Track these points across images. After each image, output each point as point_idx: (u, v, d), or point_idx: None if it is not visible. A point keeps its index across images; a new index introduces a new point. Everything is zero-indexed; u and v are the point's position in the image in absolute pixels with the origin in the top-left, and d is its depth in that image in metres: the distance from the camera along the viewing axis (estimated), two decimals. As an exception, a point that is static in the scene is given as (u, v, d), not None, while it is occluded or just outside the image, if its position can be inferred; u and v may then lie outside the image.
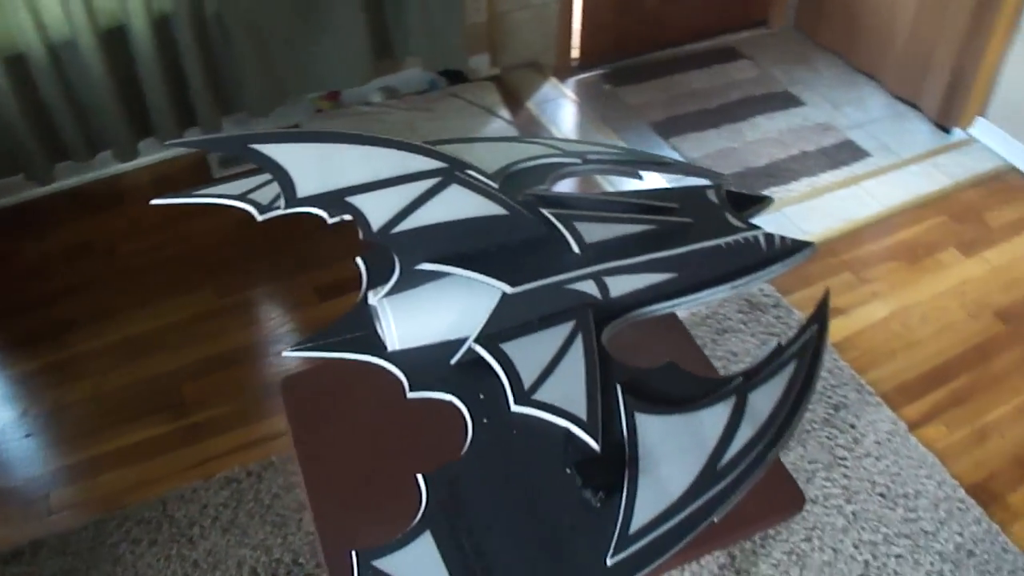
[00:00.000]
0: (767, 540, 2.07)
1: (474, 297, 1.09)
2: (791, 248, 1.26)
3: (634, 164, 1.42)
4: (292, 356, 1.11)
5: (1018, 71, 3.03)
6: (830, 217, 2.87)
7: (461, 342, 1.08)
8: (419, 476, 0.97)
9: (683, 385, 1.08)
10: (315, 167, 0.96)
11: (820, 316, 1.19)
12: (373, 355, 1.09)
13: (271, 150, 0.94)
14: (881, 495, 2.18)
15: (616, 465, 0.98)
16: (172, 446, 2.17)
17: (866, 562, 2.05)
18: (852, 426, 2.30)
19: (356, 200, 0.99)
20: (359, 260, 1.18)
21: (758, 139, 3.28)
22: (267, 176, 1.30)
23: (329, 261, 2.67)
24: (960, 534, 2.11)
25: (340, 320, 1.15)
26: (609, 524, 0.95)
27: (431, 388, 1.05)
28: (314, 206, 0.98)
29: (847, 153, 3.20)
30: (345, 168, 0.98)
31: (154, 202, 1.28)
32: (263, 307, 2.57)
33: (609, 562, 0.93)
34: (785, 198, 2.95)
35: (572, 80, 3.54)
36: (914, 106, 3.43)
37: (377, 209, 1.01)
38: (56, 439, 2.18)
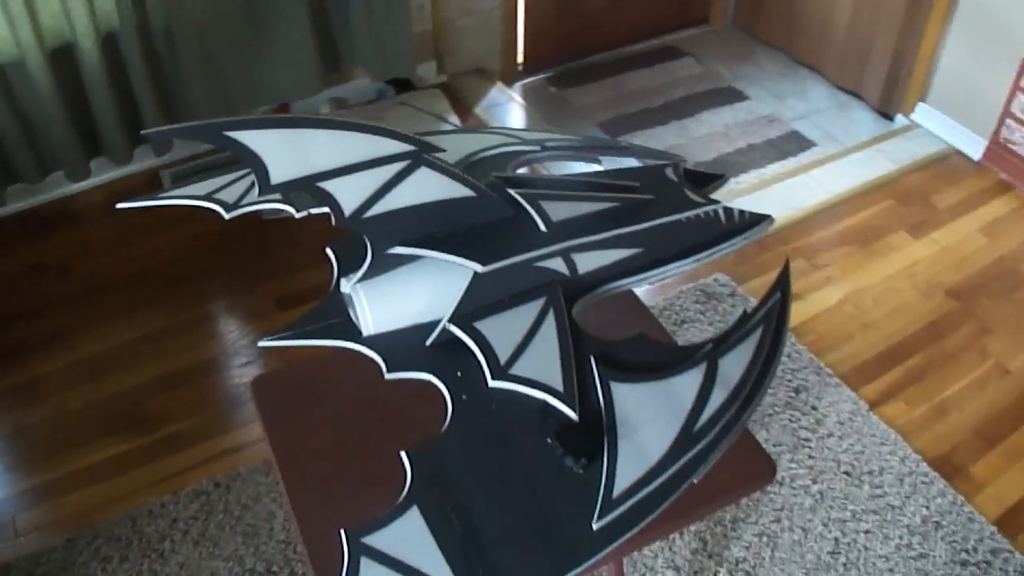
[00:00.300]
0: (737, 523, 2.10)
1: (446, 279, 1.10)
2: (749, 221, 1.28)
3: (592, 149, 1.45)
4: (268, 346, 1.11)
5: (956, 56, 3.11)
6: (780, 206, 2.92)
7: (435, 324, 1.09)
8: (402, 453, 0.98)
9: (653, 354, 1.10)
10: (287, 153, 0.97)
11: (782, 283, 1.22)
12: (348, 340, 1.10)
13: (244, 136, 0.95)
14: (846, 473, 2.22)
15: (595, 432, 1.00)
16: (138, 462, 2.15)
17: (836, 539, 2.08)
18: (814, 408, 2.34)
19: (328, 185, 1.00)
20: (329, 250, 1.18)
21: (705, 134, 3.33)
22: (232, 175, 1.31)
23: (288, 273, 2.66)
24: (926, 507, 2.16)
25: (313, 309, 1.15)
26: (592, 490, 0.96)
27: (408, 368, 1.06)
28: (287, 191, 0.99)
29: (793, 144, 3.26)
30: (316, 153, 0.99)
31: (120, 206, 1.28)
32: (223, 321, 2.55)
33: (595, 525, 0.94)
34: (735, 190, 3.00)
35: (519, 84, 3.58)
36: (856, 95, 3.51)
37: (348, 194, 1.01)
38: (19, 461, 2.15)
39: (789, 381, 2.39)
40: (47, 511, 2.05)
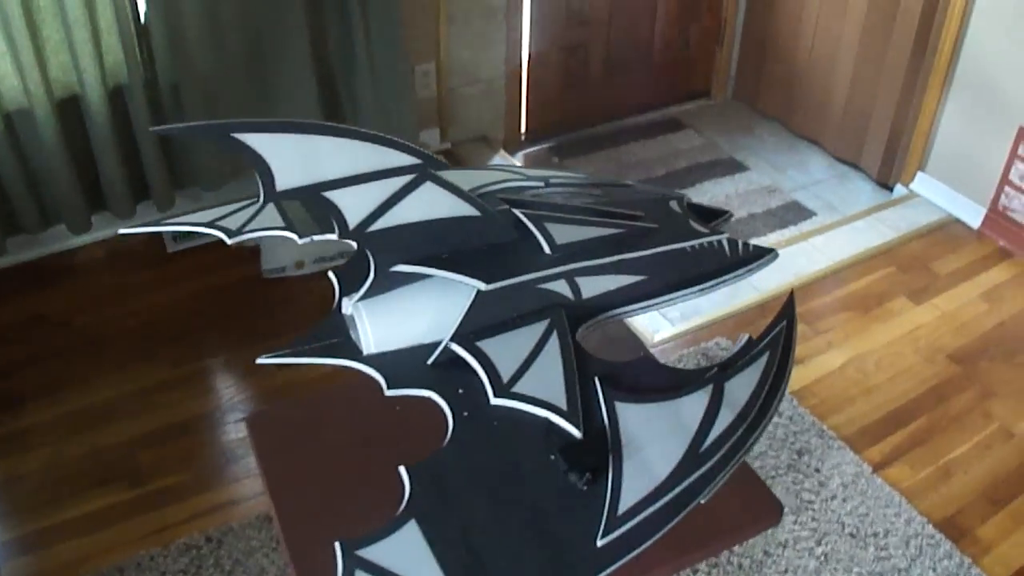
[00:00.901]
0: (741, 584, 2.06)
1: (448, 300, 1.09)
2: (754, 253, 1.28)
3: (595, 187, 1.45)
4: (266, 363, 1.10)
5: (954, 125, 3.15)
6: (782, 272, 2.92)
7: (436, 345, 1.07)
8: (401, 468, 0.96)
9: (658, 376, 1.08)
10: (295, 159, 0.97)
11: (787, 313, 1.21)
12: (348, 359, 1.08)
13: (253, 140, 0.94)
14: (851, 535, 2.17)
15: (599, 450, 0.98)
16: (128, 515, 2.10)
17: (841, 601, 2.04)
18: (817, 470, 2.30)
19: (334, 195, 1.00)
20: (331, 273, 1.18)
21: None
22: (235, 205, 1.30)
23: (288, 331, 2.60)
24: (933, 569, 2.11)
25: (313, 329, 1.14)
26: (595, 508, 0.94)
27: (409, 385, 1.04)
28: (292, 199, 0.98)
29: (793, 213, 3.28)
30: (324, 161, 0.99)
31: (122, 231, 1.28)
32: (219, 376, 2.53)
33: (599, 543, 0.92)
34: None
35: (521, 153, 3.61)
36: (855, 166, 3.54)
37: (354, 205, 1.01)
38: (8, 510, 2.11)
39: (792, 444, 2.36)
40: (34, 562, 1.99)
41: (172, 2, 2.49)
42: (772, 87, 3.84)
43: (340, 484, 1.31)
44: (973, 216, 3.16)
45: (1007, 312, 2.80)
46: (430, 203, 1.06)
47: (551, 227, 1.14)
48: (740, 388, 1.07)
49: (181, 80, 2.63)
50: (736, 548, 2.13)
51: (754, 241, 3.03)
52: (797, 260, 3.00)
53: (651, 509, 0.94)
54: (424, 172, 1.04)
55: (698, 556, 1.30)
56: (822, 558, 2.12)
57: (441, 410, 1.04)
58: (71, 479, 2.17)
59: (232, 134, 0.94)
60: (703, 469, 0.98)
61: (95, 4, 2.38)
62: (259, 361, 1.10)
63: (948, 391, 2.53)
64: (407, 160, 1.03)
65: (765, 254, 1.29)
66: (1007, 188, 3.01)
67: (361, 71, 2.92)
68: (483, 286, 1.06)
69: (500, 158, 3.46)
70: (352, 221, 1.02)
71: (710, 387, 1.06)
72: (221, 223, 1.24)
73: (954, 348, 2.67)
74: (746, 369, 1.10)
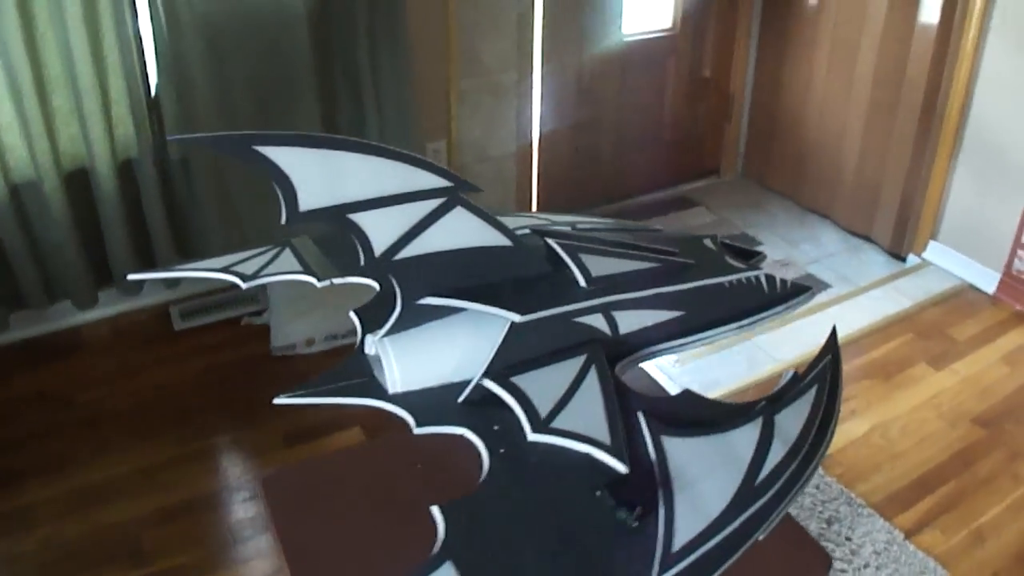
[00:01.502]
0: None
1: (478, 336, 1.04)
2: (791, 291, 1.23)
3: (623, 231, 1.40)
4: (284, 403, 1.03)
5: (964, 193, 3.14)
6: (801, 344, 2.87)
7: (465, 384, 1.01)
8: (434, 508, 0.89)
9: (704, 410, 1.02)
10: (319, 177, 0.92)
11: (831, 346, 1.16)
12: (373, 398, 1.02)
13: (275, 154, 0.90)
14: (888, 606, 2.08)
15: (647, 485, 0.91)
16: (131, 595, 2.01)
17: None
18: (848, 538, 2.21)
19: (359, 218, 0.95)
20: (352, 313, 1.12)
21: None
22: (248, 252, 1.26)
23: (295, 409, 2.57)
24: (975, 638, 2.01)
25: (334, 369, 1.08)
26: (646, 546, 0.87)
27: (440, 423, 0.98)
28: (316, 221, 0.93)
29: (809, 285, 3.23)
30: (349, 180, 0.94)
31: (131, 277, 1.23)
32: (227, 455, 2.45)
33: (657, 583, 0.85)
34: (755, 329, 2.95)
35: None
36: (867, 238, 3.52)
37: (380, 231, 0.96)
38: (6, 591, 2.02)
39: (820, 512, 2.28)
40: (31, 645, 1.90)
41: (184, 75, 2.49)
42: (781, 163, 3.84)
43: (360, 545, 1.23)
44: (987, 282, 3.13)
45: (1030, 375, 2.75)
46: (460, 231, 1.01)
47: (586, 259, 1.09)
48: (790, 421, 1.01)
49: (190, 155, 2.62)
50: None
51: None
52: (816, 330, 2.94)
53: (707, 546, 0.87)
54: (455, 196, 1.00)
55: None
56: (858, 631, 2.02)
57: (469, 457, 0.98)
58: (72, 558, 2.08)
59: (254, 146, 0.90)
60: (759, 504, 0.92)
61: (106, 74, 2.38)
62: (276, 402, 1.04)
63: (975, 455, 2.46)
64: (437, 182, 0.98)
65: (803, 291, 1.24)
66: (1020, 252, 2.98)
67: (371, 146, 2.91)
68: (518, 318, 1.00)
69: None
70: (379, 248, 0.97)
71: (760, 420, 1.00)
72: (235, 268, 1.19)
73: (978, 412, 2.61)
74: (795, 402, 1.04)
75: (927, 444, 2.50)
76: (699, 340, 1.14)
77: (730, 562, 0.87)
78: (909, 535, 2.22)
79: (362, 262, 0.98)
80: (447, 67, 3.09)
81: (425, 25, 2.96)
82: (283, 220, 0.92)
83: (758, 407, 1.02)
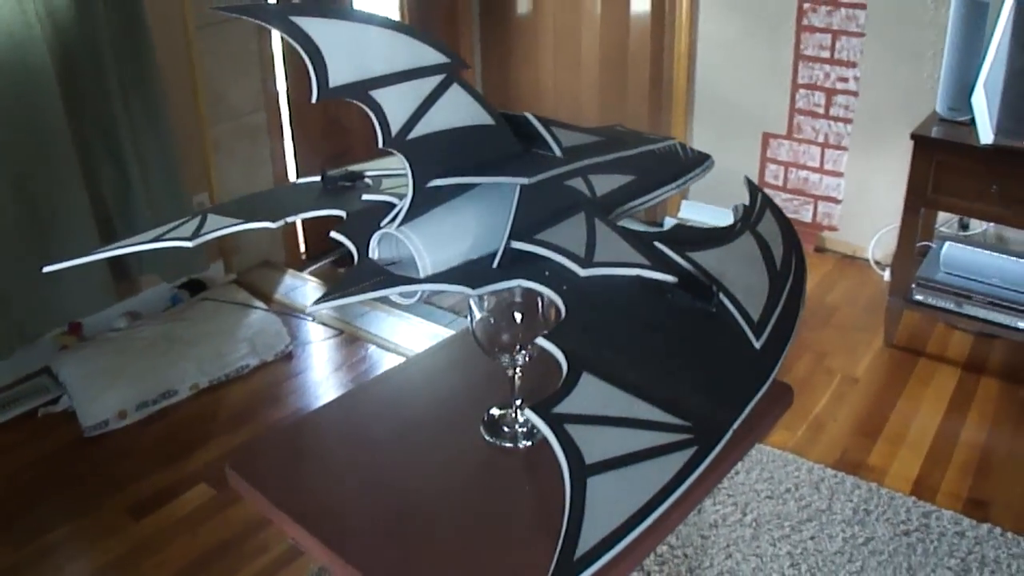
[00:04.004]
0: (694, 571, 2.08)
1: (483, 213, 1.07)
2: (699, 158, 1.36)
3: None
4: (317, 309, 1.01)
5: (704, 148, 3.42)
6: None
7: (486, 259, 1.04)
8: (539, 338, 0.92)
9: (700, 234, 1.12)
10: (345, 52, 0.93)
11: (754, 187, 1.28)
12: (410, 284, 1.02)
13: (310, 26, 0.90)
14: (768, 497, 2.27)
15: (701, 283, 1.00)
16: None
17: (789, 553, 2.10)
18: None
19: (379, 95, 0.96)
20: (334, 233, 1.12)
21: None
22: (172, 224, 1.22)
23: (133, 480, 2.42)
24: (851, 500, 2.24)
25: (349, 275, 1.05)
26: (728, 327, 0.96)
27: (492, 281, 1.00)
28: (342, 96, 0.94)
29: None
30: (368, 54, 0.95)
31: (46, 269, 1.16)
32: (71, 547, 2.25)
33: (757, 345, 0.94)
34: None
35: (307, 271, 3.56)
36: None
37: (395, 108, 0.98)
38: None
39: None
40: None
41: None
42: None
43: (364, 494, 1.19)
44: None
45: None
46: (455, 109, 1.04)
47: (557, 131, 1.16)
48: (767, 229, 1.14)
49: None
50: (673, 540, 2.15)
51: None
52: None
53: (776, 312, 0.98)
54: (452, 72, 1.03)
55: (735, 458, 1.30)
56: (753, 525, 2.19)
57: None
58: None
59: (290, 17, 0.89)
60: (791, 280, 1.04)
61: None
62: (309, 310, 1.02)
63: (786, 362, 2.74)
64: (438, 58, 1.02)
65: (706, 158, 1.37)
66: (766, 191, 3.36)
67: (139, 207, 2.80)
68: (526, 181, 1.05)
69: (289, 278, 3.39)
70: (395, 126, 0.99)
71: (748, 234, 1.12)
72: (169, 236, 1.17)
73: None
74: (761, 219, 1.16)
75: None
76: (650, 200, 1.24)
77: (798, 320, 0.98)
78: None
79: (380, 144, 0.99)
80: (196, 113, 3.03)
81: (172, 70, 2.90)
82: (314, 97, 0.91)
83: (738, 222, 1.14)
